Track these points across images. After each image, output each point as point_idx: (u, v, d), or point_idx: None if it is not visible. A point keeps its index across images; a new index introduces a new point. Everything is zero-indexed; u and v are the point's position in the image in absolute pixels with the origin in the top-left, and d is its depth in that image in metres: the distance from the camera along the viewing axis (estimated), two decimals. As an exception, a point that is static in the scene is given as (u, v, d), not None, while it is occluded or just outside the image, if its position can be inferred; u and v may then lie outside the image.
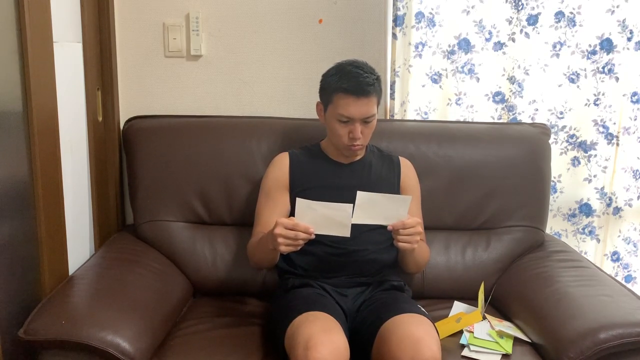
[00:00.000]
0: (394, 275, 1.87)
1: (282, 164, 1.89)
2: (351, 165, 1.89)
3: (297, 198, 1.57)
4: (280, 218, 1.58)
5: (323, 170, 1.88)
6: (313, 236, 1.57)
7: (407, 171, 1.95)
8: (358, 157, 1.90)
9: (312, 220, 1.56)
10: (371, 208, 1.61)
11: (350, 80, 1.73)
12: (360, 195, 1.59)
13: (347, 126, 1.76)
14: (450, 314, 1.89)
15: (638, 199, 2.41)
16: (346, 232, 1.60)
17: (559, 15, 2.25)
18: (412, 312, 1.62)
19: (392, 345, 1.50)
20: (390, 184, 1.89)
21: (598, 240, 2.44)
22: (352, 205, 1.58)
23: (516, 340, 1.73)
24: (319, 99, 1.85)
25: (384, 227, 1.67)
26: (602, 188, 2.39)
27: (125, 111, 2.22)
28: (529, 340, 1.73)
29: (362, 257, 1.80)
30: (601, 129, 2.35)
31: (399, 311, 1.62)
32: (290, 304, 1.68)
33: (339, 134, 1.78)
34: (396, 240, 1.66)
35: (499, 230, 2.10)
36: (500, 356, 1.65)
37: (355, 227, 1.77)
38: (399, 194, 1.91)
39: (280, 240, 1.55)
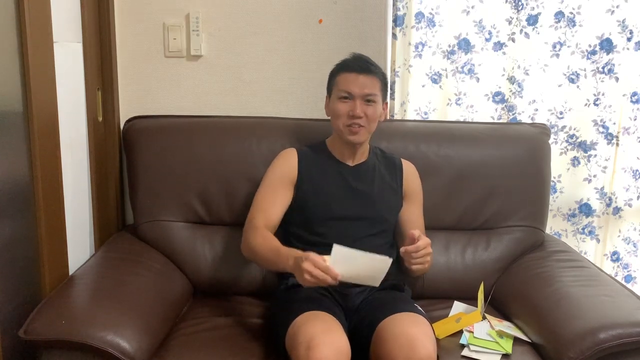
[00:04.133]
0: (394, 275, 1.87)
1: (291, 159, 1.88)
2: (356, 167, 1.88)
3: (334, 245, 1.49)
4: (312, 254, 1.51)
5: (329, 171, 1.87)
6: (337, 283, 1.52)
7: (410, 175, 1.95)
8: (362, 160, 1.89)
9: (346, 269, 1.51)
10: (351, 264, 1.53)
11: (352, 59, 1.81)
12: (338, 249, 1.50)
13: (347, 104, 1.78)
14: (450, 314, 1.89)
15: (638, 199, 2.41)
16: (375, 283, 1.56)
17: (559, 15, 2.26)
18: (409, 312, 1.62)
19: (388, 344, 1.51)
20: (393, 189, 1.90)
21: (598, 240, 2.44)
22: (391, 259, 1.53)
23: (516, 340, 1.73)
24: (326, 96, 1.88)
25: (376, 219, 1.76)
26: (602, 188, 2.39)
27: (125, 111, 2.22)
28: (529, 340, 1.73)
29: None
30: (601, 129, 2.35)
31: (396, 310, 1.62)
32: (291, 303, 1.68)
33: (339, 114, 1.79)
34: (409, 264, 1.65)
35: (499, 230, 2.10)
36: (500, 356, 1.65)
37: (356, 231, 1.77)
38: (402, 197, 1.91)
39: (306, 276, 1.49)
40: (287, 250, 1.64)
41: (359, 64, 1.79)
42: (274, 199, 1.83)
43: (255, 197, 1.86)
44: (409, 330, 1.52)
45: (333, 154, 1.90)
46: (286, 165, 1.87)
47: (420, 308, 1.70)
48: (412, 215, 1.94)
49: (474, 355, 1.65)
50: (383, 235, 1.87)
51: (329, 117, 1.87)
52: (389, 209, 1.89)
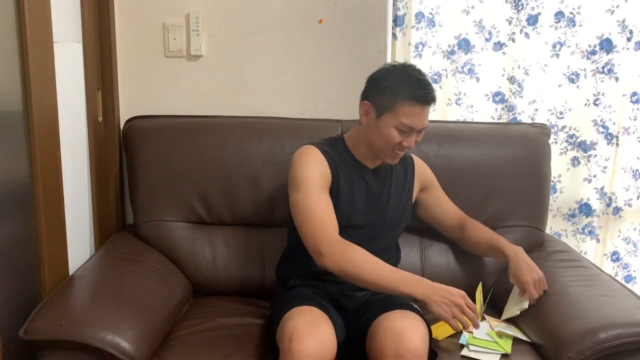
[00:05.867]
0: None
1: (321, 160, 1.73)
2: (375, 170, 1.81)
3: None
4: (463, 292, 1.57)
5: (354, 176, 1.78)
6: (472, 330, 1.64)
7: (421, 168, 1.94)
8: (380, 162, 1.82)
9: None
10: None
11: (422, 90, 1.65)
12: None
13: (404, 135, 1.67)
14: (450, 314, 1.89)
15: (638, 199, 2.41)
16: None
17: (559, 15, 2.26)
18: (401, 309, 1.63)
19: (379, 338, 1.53)
20: (405, 189, 1.87)
21: (598, 240, 2.44)
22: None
23: (516, 340, 1.73)
24: (363, 99, 1.73)
25: (391, 226, 1.80)
26: (602, 188, 2.39)
27: (125, 111, 2.22)
28: (529, 340, 1.73)
29: None
30: (601, 129, 2.35)
31: (389, 308, 1.63)
32: (285, 300, 1.69)
33: (391, 142, 1.67)
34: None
35: (499, 230, 2.08)
36: (499, 356, 1.65)
37: (369, 235, 1.76)
38: (413, 194, 1.90)
39: (455, 310, 1.53)
40: (411, 274, 1.60)
41: (428, 95, 1.65)
42: (329, 204, 1.69)
43: (308, 208, 1.66)
44: (398, 324, 1.53)
45: (354, 155, 1.79)
46: (321, 167, 1.72)
47: (417, 306, 1.70)
48: (440, 200, 1.97)
49: (473, 355, 1.65)
50: (393, 237, 1.88)
51: (364, 124, 1.73)
52: (402, 212, 1.86)
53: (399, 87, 1.65)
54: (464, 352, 1.67)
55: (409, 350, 1.47)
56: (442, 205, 1.98)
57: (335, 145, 1.79)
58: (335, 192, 1.73)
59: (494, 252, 1.91)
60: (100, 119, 2.09)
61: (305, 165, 1.71)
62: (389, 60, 2.26)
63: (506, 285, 1.99)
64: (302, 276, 1.80)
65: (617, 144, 2.36)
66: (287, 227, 1.90)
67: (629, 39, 2.27)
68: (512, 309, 1.83)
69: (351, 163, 1.78)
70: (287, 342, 1.46)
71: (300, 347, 1.44)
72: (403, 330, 1.51)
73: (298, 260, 1.80)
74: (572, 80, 2.31)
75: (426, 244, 2.08)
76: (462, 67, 2.29)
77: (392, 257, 1.87)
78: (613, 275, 2.26)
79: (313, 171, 1.70)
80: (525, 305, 1.79)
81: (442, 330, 1.76)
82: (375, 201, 1.79)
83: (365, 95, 1.74)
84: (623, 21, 2.26)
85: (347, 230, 1.71)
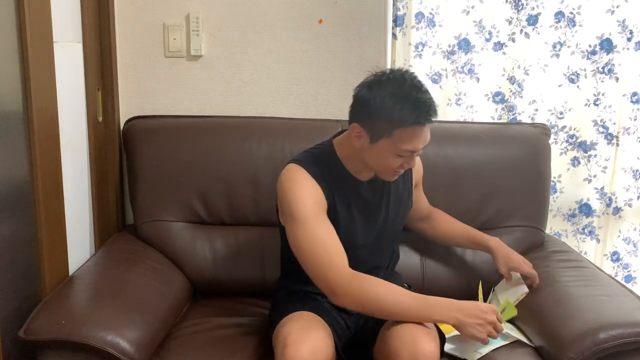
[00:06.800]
0: (396, 276, 1.87)
1: (312, 186, 1.58)
2: (370, 182, 1.70)
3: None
4: (492, 306, 1.52)
5: (347, 192, 1.65)
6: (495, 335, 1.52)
7: (417, 166, 1.85)
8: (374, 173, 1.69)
9: None
10: None
11: (423, 111, 1.47)
12: None
13: (404, 158, 1.55)
14: (450, 314, 1.89)
15: (638, 199, 2.41)
16: None
17: (559, 15, 2.25)
18: None
19: (392, 342, 1.51)
20: (404, 193, 1.80)
21: (598, 240, 2.44)
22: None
23: (516, 341, 1.73)
24: (353, 121, 1.56)
25: (390, 238, 1.77)
26: (602, 188, 2.39)
27: (125, 111, 2.22)
28: (533, 345, 1.72)
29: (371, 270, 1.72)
30: (601, 129, 2.35)
31: None
32: (283, 305, 1.69)
33: (390, 167, 1.56)
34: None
35: (499, 230, 2.10)
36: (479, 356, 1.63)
37: (363, 253, 1.70)
38: (412, 197, 1.84)
39: (490, 328, 1.48)
40: (434, 298, 1.51)
41: (431, 114, 1.49)
42: (334, 240, 1.55)
43: (311, 247, 1.53)
44: (413, 327, 1.52)
45: (347, 169, 1.65)
46: (315, 194, 1.58)
47: None
48: (420, 195, 1.95)
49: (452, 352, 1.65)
50: (395, 242, 1.86)
51: (356, 146, 1.58)
52: (403, 218, 1.82)
53: (395, 111, 1.47)
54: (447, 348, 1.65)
55: (424, 353, 1.45)
56: (420, 200, 1.94)
57: (325, 160, 1.64)
58: (332, 218, 1.60)
59: (472, 244, 1.93)
60: (100, 119, 2.09)
61: (297, 193, 1.56)
62: (389, 60, 2.26)
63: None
64: (304, 281, 1.77)
65: (617, 144, 2.36)
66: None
67: (629, 39, 2.27)
68: (511, 297, 1.84)
69: (345, 179, 1.65)
70: (281, 348, 1.46)
71: (293, 353, 1.43)
72: (418, 334, 1.49)
73: (297, 280, 1.75)
74: (572, 81, 2.31)
75: (426, 245, 2.07)
76: (462, 67, 2.29)
77: (393, 257, 1.86)
78: (613, 276, 2.26)
79: (307, 199, 1.56)
80: (525, 289, 1.81)
81: (445, 328, 1.75)
82: (374, 217, 1.71)
83: (354, 117, 1.56)
84: (623, 21, 2.26)
85: (349, 252, 1.57)
